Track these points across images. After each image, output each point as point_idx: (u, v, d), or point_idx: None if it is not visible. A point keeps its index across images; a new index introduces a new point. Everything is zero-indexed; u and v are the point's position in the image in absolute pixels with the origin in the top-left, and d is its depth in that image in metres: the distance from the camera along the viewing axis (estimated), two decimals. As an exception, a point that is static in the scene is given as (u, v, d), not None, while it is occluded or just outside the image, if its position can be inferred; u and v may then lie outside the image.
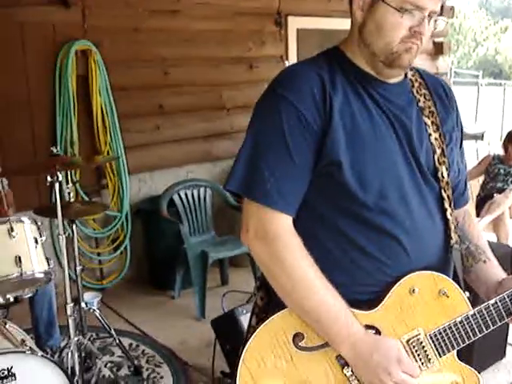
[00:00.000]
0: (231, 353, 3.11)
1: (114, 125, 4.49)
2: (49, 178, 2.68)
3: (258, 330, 1.43)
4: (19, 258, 2.57)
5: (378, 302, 1.45)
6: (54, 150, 2.81)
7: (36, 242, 2.70)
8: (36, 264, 2.65)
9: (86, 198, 4.35)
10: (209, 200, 4.69)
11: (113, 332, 3.41)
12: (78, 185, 4.26)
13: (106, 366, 3.40)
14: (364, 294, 1.46)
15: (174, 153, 4.97)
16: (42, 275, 2.68)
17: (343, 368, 1.43)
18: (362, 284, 1.47)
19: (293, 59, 5.68)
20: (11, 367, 2.33)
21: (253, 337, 1.43)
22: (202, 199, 4.66)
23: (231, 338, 3.06)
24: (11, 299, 2.82)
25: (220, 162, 5.29)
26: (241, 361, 1.41)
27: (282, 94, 1.42)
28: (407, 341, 1.46)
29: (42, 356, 2.44)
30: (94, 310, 3.40)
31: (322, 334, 1.42)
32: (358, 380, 1.43)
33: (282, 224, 1.41)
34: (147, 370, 3.46)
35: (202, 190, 4.68)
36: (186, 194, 4.58)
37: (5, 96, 4.07)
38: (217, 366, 3.16)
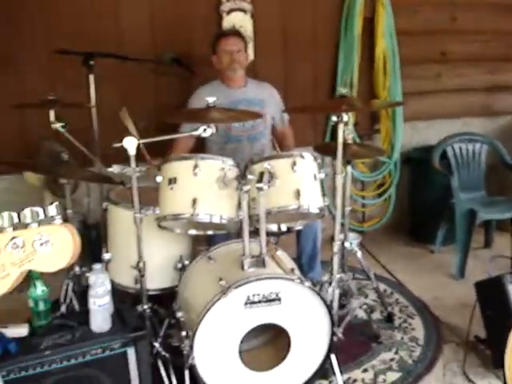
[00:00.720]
0: (491, 319, 2.97)
1: (394, 70, 4.42)
2: (334, 118, 2.71)
3: None
4: (298, 191, 2.63)
5: None
6: (343, 91, 2.80)
7: (315, 178, 2.75)
8: (313, 199, 2.70)
9: (359, 141, 4.39)
10: (483, 156, 4.43)
11: (371, 275, 3.45)
12: (354, 127, 4.33)
13: (360, 308, 3.48)
14: None
15: (452, 103, 4.77)
16: (316, 210, 2.72)
17: None
18: None
19: None
20: (279, 292, 2.47)
21: None
22: (476, 155, 4.41)
23: (494, 304, 2.92)
24: (283, 229, 2.93)
25: (499, 118, 4.97)
26: None
27: None
28: None
29: (309, 287, 2.51)
30: (355, 250, 3.45)
31: None
32: None
33: None
34: (399, 318, 3.45)
35: (477, 145, 4.42)
36: (461, 148, 4.37)
37: (291, 35, 4.24)
38: (472, 330, 3.04)
